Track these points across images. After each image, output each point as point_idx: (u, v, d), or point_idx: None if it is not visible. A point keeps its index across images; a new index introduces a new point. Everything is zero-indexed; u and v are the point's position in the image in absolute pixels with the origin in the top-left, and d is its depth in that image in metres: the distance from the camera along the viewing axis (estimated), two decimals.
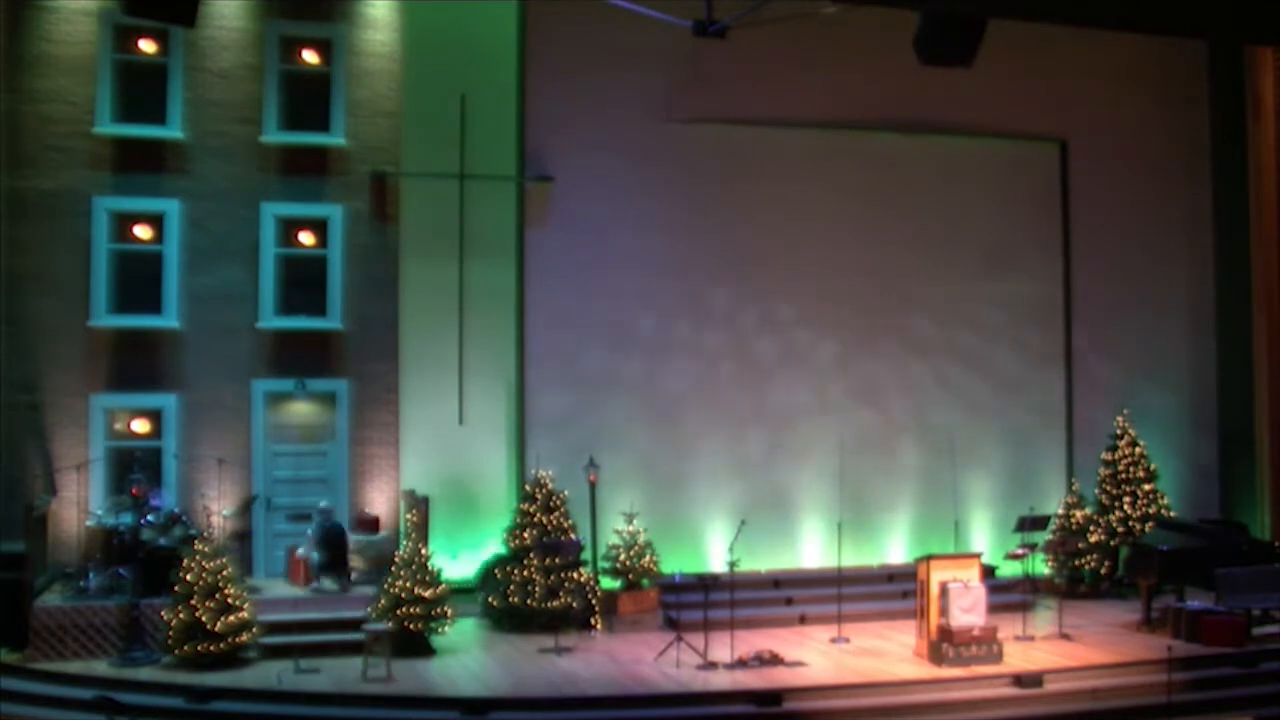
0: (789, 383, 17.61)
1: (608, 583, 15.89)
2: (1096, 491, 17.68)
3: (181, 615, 13.26)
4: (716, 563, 16.20)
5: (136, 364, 15.87)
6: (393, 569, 14.17)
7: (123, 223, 16.08)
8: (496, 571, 15.59)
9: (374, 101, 16.61)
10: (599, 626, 15.34)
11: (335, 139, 16.47)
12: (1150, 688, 12.74)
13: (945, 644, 13.23)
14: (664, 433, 17.10)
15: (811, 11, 14.59)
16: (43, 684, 12.91)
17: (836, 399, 17.71)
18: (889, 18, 12.60)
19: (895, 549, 17.65)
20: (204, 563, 13.45)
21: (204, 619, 13.18)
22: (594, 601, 15.35)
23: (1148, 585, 15.31)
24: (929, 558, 13.93)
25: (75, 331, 15.67)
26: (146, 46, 16.16)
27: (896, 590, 16.46)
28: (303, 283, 16.50)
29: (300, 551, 15.15)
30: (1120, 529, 17.22)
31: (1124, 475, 17.53)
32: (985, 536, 17.64)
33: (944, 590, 13.39)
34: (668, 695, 12.57)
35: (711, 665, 13.38)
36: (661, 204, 17.19)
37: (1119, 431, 17.75)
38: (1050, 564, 17.28)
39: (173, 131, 16.03)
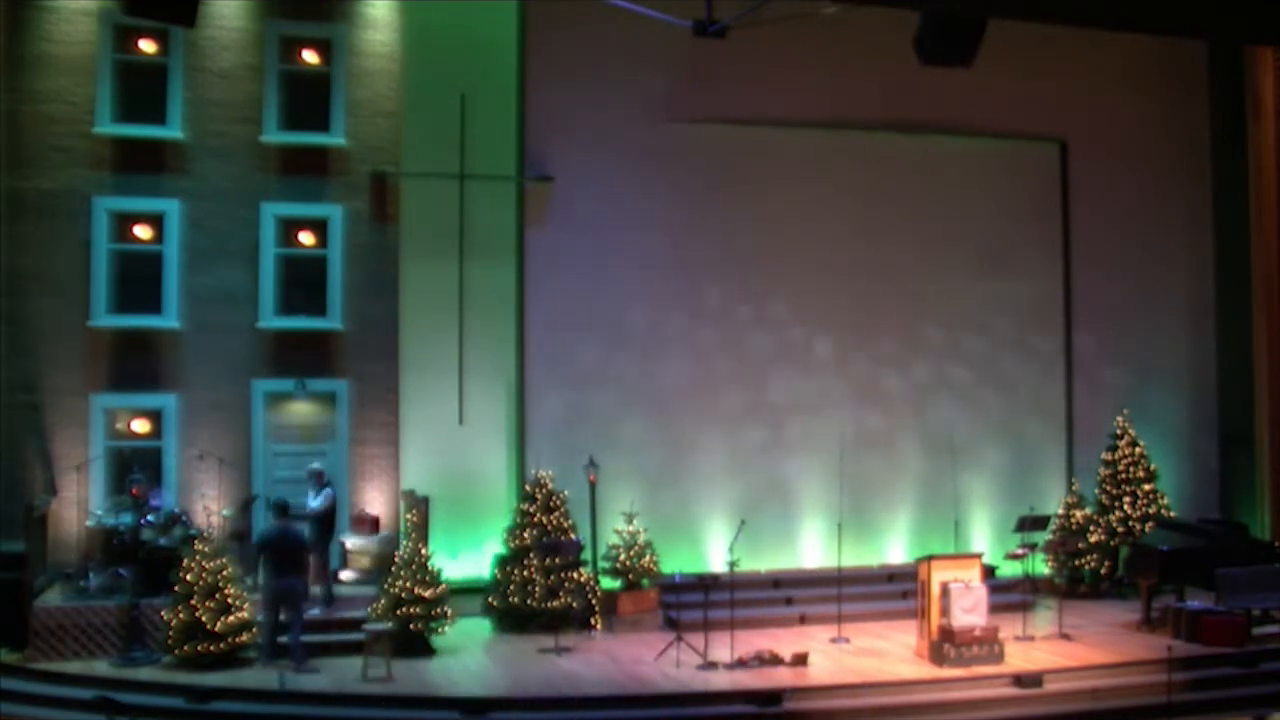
0: (789, 382, 17.60)
1: (608, 583, 15.89)
2: (1096, 491, 17.68)
3: (181, 615, 13.26)
4: (716, 563, 16.19)
5: (136, 364, 15.88)
6: (393, 569, 14.18)
7: (123, 223, 16.08)
8: (497, 571, 15.60)
9: (374, 101, 16.61)
10: (599, 626, 15.34)
11: (335, 139, 16.48)
12: (1150, 688, 12.74)
13: (946, 644, 13.23)
14: (664, 432, 17.10)
15: (811, 11, 14.58)
16: (43, 684, 12.91)
17: (836, 399, 17.70)
18: (889, 18, 12.61)
19: (895, 549, 17.65)
20: (204, 563, 13.44)
21: (204, 619, 13.18)
22: (594, 601, 15.35)
23: (1148, 585, 15.31)
24: (930, 558, 13.93)
25: (75, 331, 15.68)
26: (146, 46, 16.17)
27: (896, 590, 16.46)
28: (303, 283, 16.52)
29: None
30: (1120, 529, 17.22)
31: (1124, 475, 17.53)
32: (985, 536, 17.64)
33: (945, 590, 13.39)
34: (668, 695, 12.57)
35: (711, 665, 13.38)
36: (661, 204, 17.18)
37: (1119, 431, 17.75)
38: (1050, 564, 17.28)
39: (173, 131, 16.03)
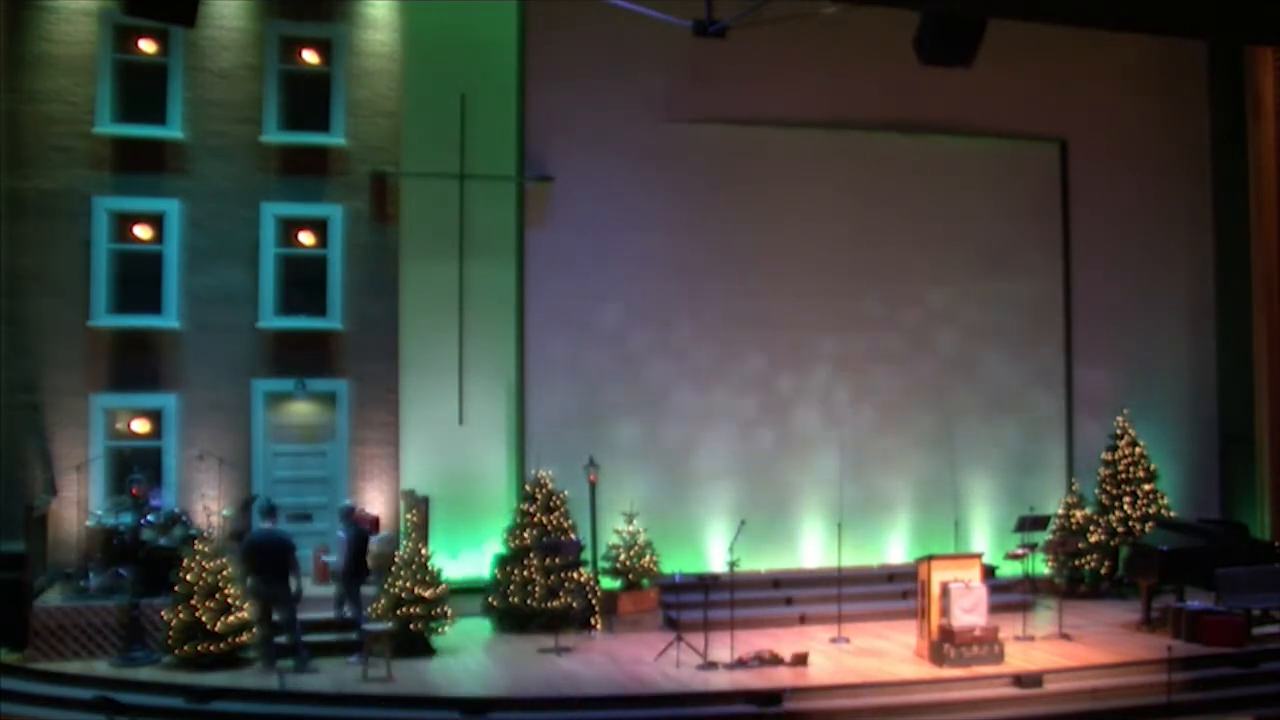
0: (789, 382, 17.60)
1: (608, 583, 15.90)
2: (1096, 491, 17.69)
3: (181, 615, 13.27)
4: (716, 563, 16.20)
5: (136, 364, 15.87)
6: (393, 569, 14.19)
7: (123, 223, 16.08)
8: (497, 571, 15.60)
9: (374, 101, 16.61)
10: (599, 626, 15.34)
11: (335, 139, 16.47)
12: (1150, 688, 12.75)
13: (947, 644, 13.23)
14: (664, 432, 17.10)
15: (811, 11, 14.59)
16: (43, 684, 12.91)
17: (836, 398, 17.70)
18: (889, 18, 12.59)
19: (895, 549, 17.65)
20: (204, 563, 13.45)
21: (204, 619, 13.19)
22: (594, 601, 15.35)
23: (1148, 585, 15.31)
24: (930, 558, 13.93)
25: (75, 331, 15.67)
26: (146, 46, 16.16)
27: (896, 590, 16.46)
28: (303, 283, 16.51)
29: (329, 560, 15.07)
30: (1120, 529, 17.23)
31: (1124, 475, 17.54)
32: (985, 536, 17.64)
33: (945, 590, 13.39)
34: (668, 695, 12.57)
35: (711, 665, 13.38)
36: (661, 204, 17.19)
37: (1119, 431, 17.75)
38: (1050, 564, 17.28)
39: (173, 131, 16.03)
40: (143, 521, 14.52)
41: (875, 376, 17.89)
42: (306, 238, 16.56)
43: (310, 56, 16.64)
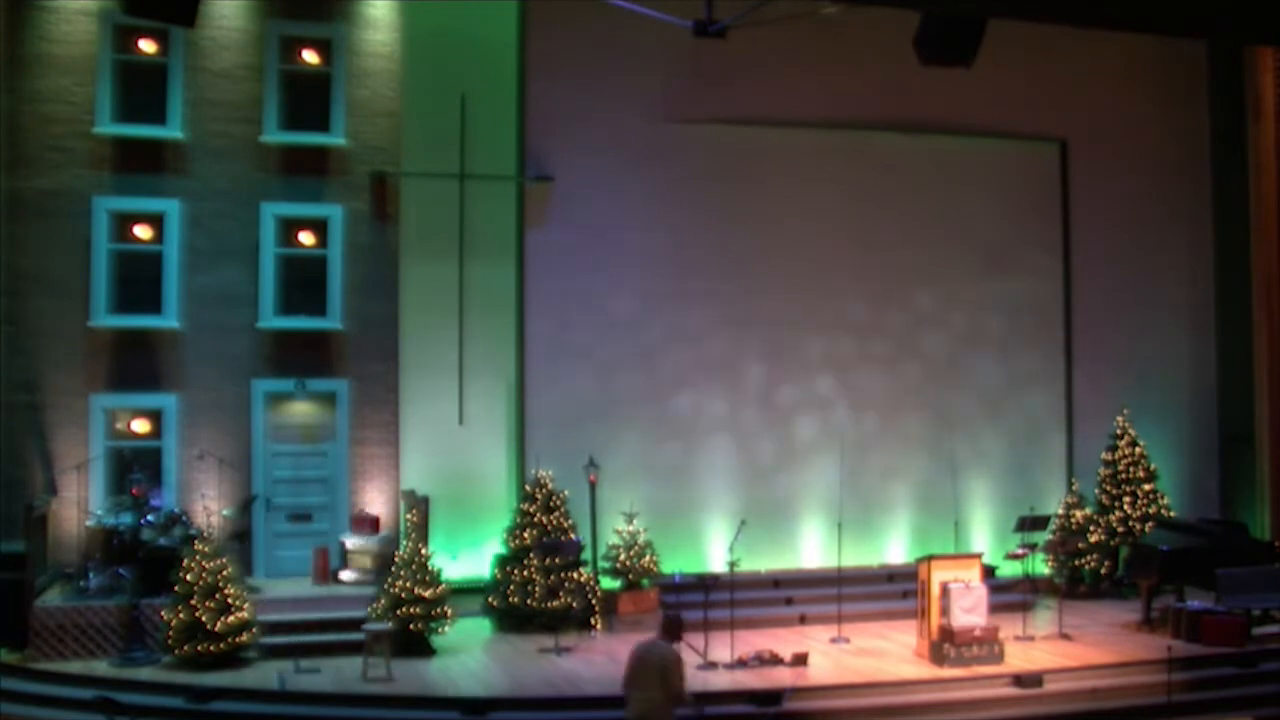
0: (789, 381, 17.60)
1: (608, 583, 15.89)
2: (1096, 491, 17.68)
3: (181, 615, 13.26)
4: (716, 563, 16.19)
5: (136, 364, 15.87)
6: (393, 569, 14.19)
7: (123, 223, 16.08)
8: (497, 571, 15.60)
9: (374, 101, 16.61)
10: (599, 626, 15.34)
11: (335, 139, 16.47)
12: (1150, 688, 12.75)
13: (947, 644, 13.23)
14: (664, 432, 17.10)
15: (811, 11, 14.58)
16: (43, 684, 12.92)
17: (836, 398, 17.70)
18: (889, 18, 12.61)
19: (895, 549, 17.65)
20: (204, 563, 13.45)
21: (204, 619, 13.19)
22: (594, 601, 15.35)
23: (1148, 585, 15.31)
24: (930, 558, 13.93)
25: (75, 331, 15.67)
26: (146, 46, 16.17)
27: (896, 590, 16.47)
28: (303, 283, 16.51)
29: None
30: (1120, 529, 17.23)
31: (1124, 475, 17.54)
32: (985, 536, 17.64)
33: (945, 590, 13.39)
34: None
35: (711, 665, 13.38)
36: (661, 204, 17.18)
37: (1119, 431, 17.75)
38: (1050, 564, 17.28)
39: (173, 131, 16.03)
40: (143, 521, 14.52)
41: (875, 376, 17.88)
42: (306, 238, 16.56)
43: (310, 56, 16.64)
